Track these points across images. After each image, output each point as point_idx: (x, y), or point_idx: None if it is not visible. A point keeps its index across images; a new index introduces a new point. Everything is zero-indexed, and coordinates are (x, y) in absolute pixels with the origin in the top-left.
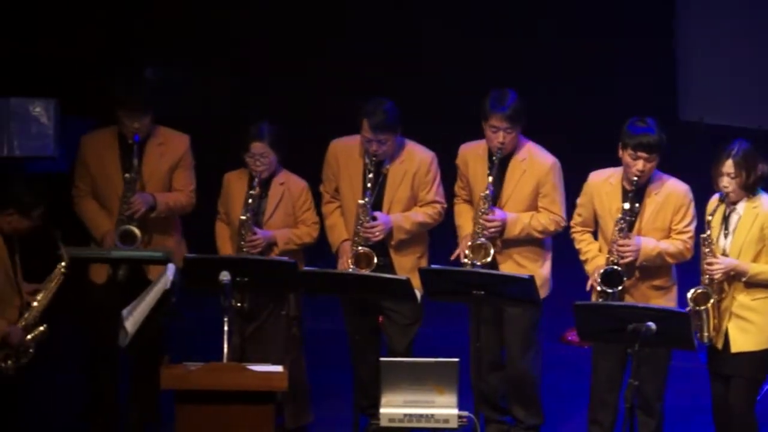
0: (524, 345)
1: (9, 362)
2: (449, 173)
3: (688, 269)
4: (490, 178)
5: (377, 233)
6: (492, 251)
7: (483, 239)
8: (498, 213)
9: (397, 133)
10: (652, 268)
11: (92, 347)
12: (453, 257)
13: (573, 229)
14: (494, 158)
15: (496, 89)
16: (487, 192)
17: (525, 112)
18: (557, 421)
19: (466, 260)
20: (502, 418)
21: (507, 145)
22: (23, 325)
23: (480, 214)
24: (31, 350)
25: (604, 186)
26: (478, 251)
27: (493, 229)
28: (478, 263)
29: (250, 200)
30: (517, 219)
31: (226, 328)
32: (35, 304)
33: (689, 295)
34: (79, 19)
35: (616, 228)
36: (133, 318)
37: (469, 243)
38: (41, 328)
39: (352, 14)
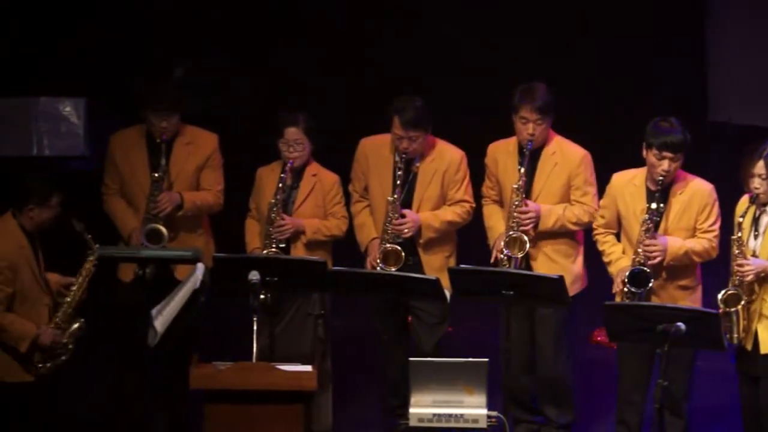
0: (555, 344)
1: (48, 364)
2: (477, 174)
3: (710, 270)
4: (522, 170)
5: (406, 230)
6: (528, 244)
7: (518, 232)
8: (531, 204)
9: (428, 130)
10: (677, 268)
11: (120, 346)
12: (492, 260)
13: (596, 231)
14: (525, 150)
15: (525, 83)
16: (520, 183)
17: (555, 105)
18: (588, 420)
19: (503, 256)
20: (532, 418)
21: (537, 137)
22: (55, 323)
23: (514, 206)
24: (69, 346)
25: (627, 187)
26: (514, 244)
27: (527, 221)
28: (515, 256)
29: (280, 185)
30: (551, 210)
31: (255, 327)
32: (68, 299)
33: (720, 296)
34: (108, 17)
35: (643, 228)
36: (162, 317)
37: (506, 236)
38: (76, 325)
39: (382, 10)
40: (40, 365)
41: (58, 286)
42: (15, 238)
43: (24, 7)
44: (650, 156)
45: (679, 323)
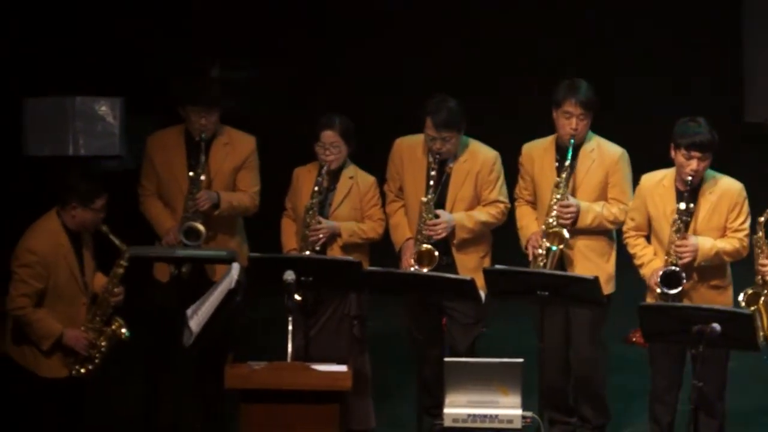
0: (590, 344)
1: (82, 370)
2: (511, 175)
3: (741, 270)
4: (566, 163)
5: (440, 230)
6: (566, 234)
7: (557, 226)
8: (572, 200)
9: (461, 131)
10: (709, 268)
11: (155, 346)
12: (530, 258)
13: (626, 234)
14: (568, 145)
15: (569, 78)
16: (563, 176)
17: (597, 102)
18: (623, 420)
19: (540, 250)
20: (567, 419)
21: (579, 132)
22: (85, 326)
23: (555, 200)
24: (103, 349)
25: (657, 188)
26: (553, 238)
27: (568, 215)
28: (554, 248)
29: (317, 188)
30: (589, 207)
31: (290, 327)
32: (101, 301)
33: (740, 297)
34: (144, 18)
35: (673, 229)
36: (197, 317)
37: (545, 230)
38: (112, 327)
39: (414, 14)
40: (74, 369)
41: (101, 288)
42: (53, 235)
43: (60, 6)
44: (678, 156)
45: (715, 324)
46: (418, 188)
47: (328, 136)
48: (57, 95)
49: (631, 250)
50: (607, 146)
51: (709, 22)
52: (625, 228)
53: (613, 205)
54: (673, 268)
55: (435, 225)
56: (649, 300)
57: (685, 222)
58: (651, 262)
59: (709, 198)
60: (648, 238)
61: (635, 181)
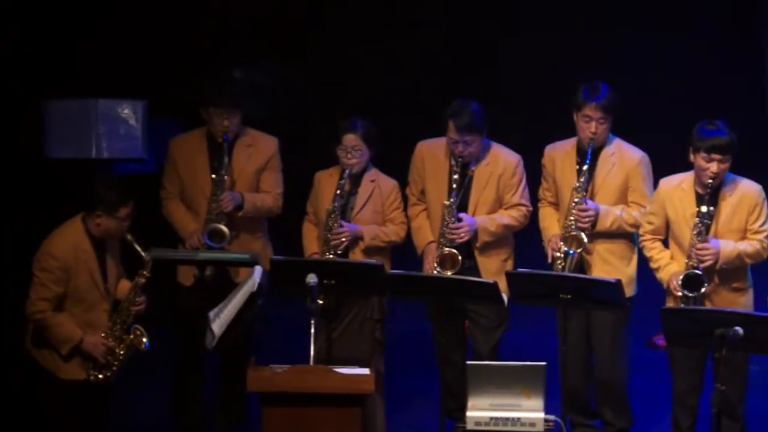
0: (612, 347)
1: (100, 376)
2: (534, 177)
3: (761, 272)
4: (585, 167)
5: (462, 234)
6: (585, 239)
7: (576, 230)
8: (591, 203)
9: (483, 134)
10: (729, 271)
11: (179, 349)
12: (549, 260)
13: (643, 237)
14: (587, 149)
15: (589, 82)
16: (582, 180)
17: (617, 105)
18: (646, 424)
19: (558, 253)
20: (589, 422)
21: (599, 135)
22: (105, 333)
23: (573, 204)
24: (121, 357)
25: (676, 192)
26: (572, 241)
27: (587, 219)
28: (573, 251)
29: (338, 192)
30: (609, 211)
31: (312, 330)
32: (122, 310)
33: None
34: (166, 20)
35: (694, 232)
36: (220, 320)
37: (563, 234)
38: (132, 336)
39: (437, 13)
40: (92, 375)
41: (124, 295)
42: (76, 241)
43: (83, 8)
44: (698, 159)
45: (737, 327)
46: (441, 191)
47: (350, 139)
48: (79, 98)
49: (648, 254)
50: (628, 150)
51: (728, 18)
52: (641, 231)
53: (633, 209)
54: (695, 271)
55: (457, 228)
56: (670, 303)
57: (706, 225)
58: (668, 265)
59: (729, 200)
60: (665, 242)
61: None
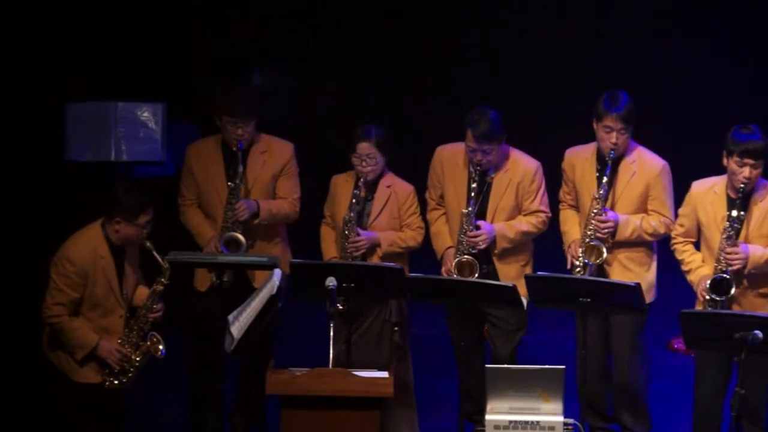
0: (631, 351)
1: (116, 381)
2: (554, 181)
3: None
4: (605, 179)
5: (481, 242)
6: (605, 252)
7: (596, 240)
8: (610, 214)
9: (502, 142)
10: (758, 276)
11: (197, 353)
12: (569, 266)
13: (674, 240)
14: (608, 159)
15: (608, 91)
16: (602, 192)
17: (637, 113)
18: (665, 428)
19: (577, 262)
20: (608, 426)
21: (620, 145)
22: (121, 339)
23: (593, 214)
24: (137, 363)
25: (708, 195)
26: (591, 252)
27: (606, 230)
28: (592, 263)
29: (354, 200)
30: (629, 221)
31: (331, 333)
32: (136, 318)
33: None
34: (187, 23)
35: (724, 236)
36: (239, 323)
37: (582, 244)
38: (148, 343)
39: (456, 20)
40: (107, 381)
41: (142, 302)
42: (94, 246)
43: (102, 12)
44: (731, 163)
45: (756, 331)
46: (459, 198)
47: (364, 147)
48: (99, 100)
49: (679, 257)
50: (649, 158)
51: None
52: (673, 234)
53: (652, 218)
54: (723, 275)
55: (476, 236)
56: (698, 307)
57: (736, 229)
58: (699, 268)
59: (761, 206)
60: (696, 245)
61: (685, 188)
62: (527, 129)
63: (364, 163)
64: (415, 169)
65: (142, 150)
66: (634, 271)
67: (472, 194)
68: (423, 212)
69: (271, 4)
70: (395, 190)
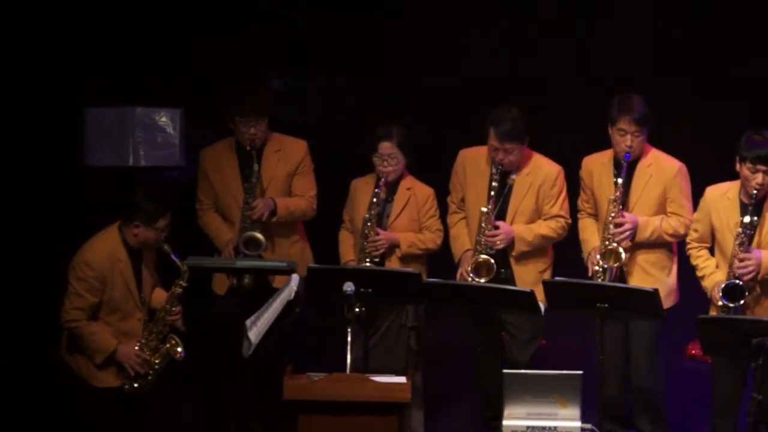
0: (649, 357)
1: (135, 385)
2: (574, 189)
3: None
4: (620, 181)
5: (498, 242)
6: (623, 255)
7: (614, 244)
8: (628, 216)
9: (524, 142)
10: None
11: (214, 356)
12: (590, 274)
13: (689, 245)
14: (623, 162)
15: (622, 95)
16: (617, 194)
17: (651, 116)
18: None
19: (597, 267)
20: (626, 431)
21: (635, 148)
22: (140, 343)
23: (610, 218)
24: (156, 366)
25: (721, 201)
26: (609, 256)
27: (624, 232)
28: (610, 266)
29: (374, 200)
30: (648, 221)
31: (349, 338)
32: (155, 321)
33: None
34: (206, 28)
35: (736, 242)
36: (256, 328)
37: (601, 249)
38: (167, 345)
39: (479, 21)
40: (127, 384)
41: (160, 305)
42: (112, 250)
43: (121, 17)
44: (744, 169)
45: None
46: (480, 199)
47: (386, 147)
48: (117, 105)
49: (694, 262)
50: (665, 160)
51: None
52: (688, 239)
53: (672, 219)
54: (736, 281)
55: (494, 235)
56: (713, 312)
57: (749, 235)
58: (713, 274)
59: None
60: (711, 250)
61: (700, 193)
62: (548, 136)
63: (385, 163)
64: (434, 172)
65: (159, 155)
66: (655, 275)
67: (492, 193)
68: (443, 216)
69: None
70: (415, 192)
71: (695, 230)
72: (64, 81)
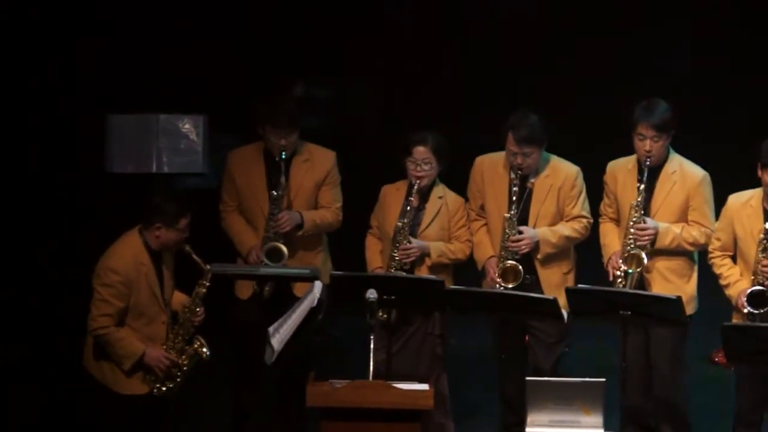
0: (672, 364)
1: (164, 388)
2: (595, 191)
3: None
4: (642, 186)
5: (524, 246)
6: (645, 259)
7: (636, 248)
8: (650, 222)
9: (543, 146)
10: None
11: (237, 363)
12: (611, 278)
13: (712, 254)
14: (643, 167)
15: (647, 99)
16: (639, 200)
17: (674, 122)
18: None
19: (618, 272)
20: None
21: (654, 153)
22: (166, 345)
23: (632, 222)
24: (185, 368)
25: (744, 208)
26: (631, 260)
27: (645, 238)
28: (631, 271)
29: (408, 208)
30: (668, 229)
31: (371, 345)
32: (180, 323)
33: None
34: (228, 35)
35: (759, 249)
36: (279, 335)
37: (622, 253)
38: (194, 346)
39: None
40: (155, 388)
41: (181, 307)
42: (135, 254)
43: (145, 24)
44: (765, 176)
45: None
46: (501, 205)
47: (421, 152)
48: (141, 112)
49: (717, 271)
50: (690, 168)
51: None
52: (710, 248)
53: (693, 228)
54: (760, 287)
55: (518, 241)
56: (736, 320)
57: None
58: (737, 282)
59: None
60: (734, 258)
61: (723, 201)
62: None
63: (418, 168)
64: (456, 180)
65: (183, 162)
66: (675, 282)
67: (513, 199)
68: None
69: (313, 14)
70: (447, 201)
71: (718, 239)
72: (88, 88)
